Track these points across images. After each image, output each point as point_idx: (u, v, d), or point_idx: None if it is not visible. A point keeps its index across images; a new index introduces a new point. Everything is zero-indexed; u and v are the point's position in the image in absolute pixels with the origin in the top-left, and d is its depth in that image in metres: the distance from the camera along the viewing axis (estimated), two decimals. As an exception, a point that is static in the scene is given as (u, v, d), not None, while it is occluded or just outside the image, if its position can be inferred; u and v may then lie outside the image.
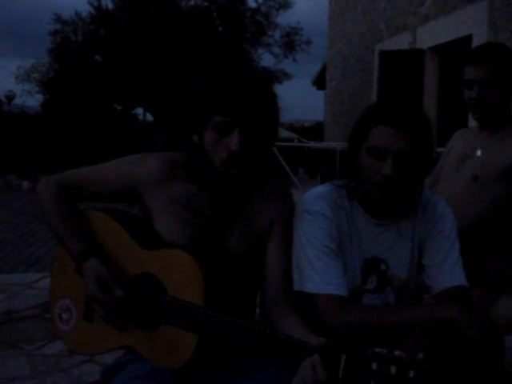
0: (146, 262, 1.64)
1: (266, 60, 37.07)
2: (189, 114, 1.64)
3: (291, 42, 24.58)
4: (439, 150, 2.55)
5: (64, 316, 1.78)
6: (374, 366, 1.26)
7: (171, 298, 1.56)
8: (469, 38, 7.34)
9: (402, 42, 9.78)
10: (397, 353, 1.26)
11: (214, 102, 1.58)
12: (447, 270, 1.73)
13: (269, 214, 1.72)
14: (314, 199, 1.74)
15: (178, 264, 1.58)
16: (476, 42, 6.97)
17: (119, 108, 23.68)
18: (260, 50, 24.81)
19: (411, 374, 1.23)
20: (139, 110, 24.87)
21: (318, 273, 1.65)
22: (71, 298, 1.77)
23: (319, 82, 17.38)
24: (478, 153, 2.37)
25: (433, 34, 8.64)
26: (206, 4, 22.96)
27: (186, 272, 1.56)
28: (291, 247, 1.73)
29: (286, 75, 25.23)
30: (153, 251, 1.64)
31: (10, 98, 22.18)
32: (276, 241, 1.72)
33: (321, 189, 1.79)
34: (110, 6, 22.96)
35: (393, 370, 1.25)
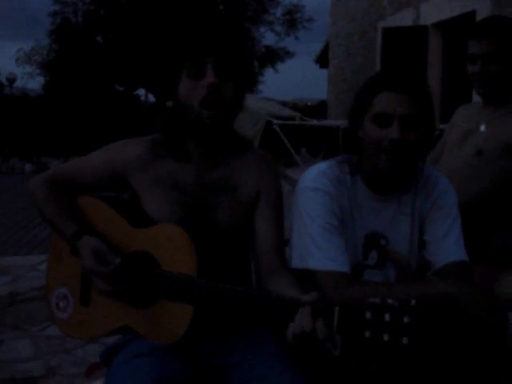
0: (138, 240, 1.66)
1: (268, 38, 36.84)
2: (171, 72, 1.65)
3: (293, 19, 24.41)
4: (442, 126, 2.52)
5: (61, 304, 1.81)
6: (367, 315, 1.28)
7: (165, 272, 1.58)
8: (472, 13, 7.25)
9: (405, 18, 9.68)
10: (390, 301, 1.28)
11: (186, 48, 1.61)
12: (448, 246, 1.73)
13: (254, 185, 1.74)
14: (316, 176, 1.73)
15: (169, 238, 1.60)
16: (479, 17, 6.88)
17: (121, 89, 23.59)
18: (262, 29, 24.67)
19: (405, 319, 1.26)
20: (141, 91, 24.80)
21: (320, 249, 1.65)
22: (67, 285, 1.79)
23: (322, 60, 17.26)
24: (482, 128, 2.34)
25: (436, 10, 8.54)
26: (206, -18, 22.75)
27: (178, 244, 1.58)
28: (279, 215, 1.74)
29: (289, 53, 25.12)
30: (144, 229, 1.66)
31: (12, 80, 22.11)
32: (264, 210, 1.73)
33: (322, 165, 1.78)
34: (110, -15, 22.75)
35: (387, 317, 1.27)
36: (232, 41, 1.67)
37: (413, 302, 1.27)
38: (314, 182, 1.72)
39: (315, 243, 1.66)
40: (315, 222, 1.67)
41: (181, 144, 1.72)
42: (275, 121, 12.61)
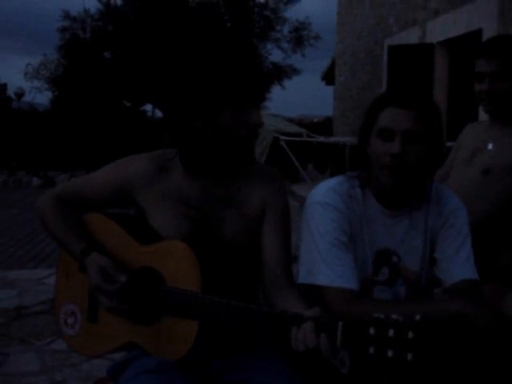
0: (144, 257, 1.67)
1: (275, 55, 37.04)
2: (194, 98, 1.64)
3: (300, 37, 24.53)
4: (449, 144, 2.53)
5: (69, 321, 1.81)
6: (371, 330, 1.27)
7: (170, 288, 1.59)
8: (479, 32, 7.29)
9: (411, 36, 9.73)
10: (394, 316, 1.27)
11: (231, 82, 1.60)
12: (458, 264, 1.72)
13: (260, 200, 1.74)
14: (326, 191, 1.74)
15: (174, 254, 1.61)
16: (486, 36, 6.92)
17: (128, 104, 23.71)
18: (268, 46, 24.79)
19: (410, 335, 1.24)
20: (148, 107, 24.92)
21: (328, 265, 1.65)
22: (75, 302, 1.80)
23: (328, 77, 17.32)
24: (490, 146, 2.35)
25: (442, 29, 8.58)
26: (214, -1, 22.93)
27: (183, 261, 1.59)
28: (286, 231, 1.75)
29: (295, 71, 25.20)
30: (150, 245, 1.67)
31: (20, 95, 22.25)
32: (270, 225, 1.73)
33: (332, 181, 1.78)
34: (119, 2, 23.00)
35: (391, 332, 1.25)
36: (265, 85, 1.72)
37: (417, 317, 1.26)
38: (323, 197, 1.72)
39: (324, 259, 1.66)
40: (324, 237, 1.67)
41: (199, 163, 1.71)
42: (282, 137, 12.65)
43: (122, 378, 1.65)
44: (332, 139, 13.05)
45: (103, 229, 1.77)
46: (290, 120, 20.93)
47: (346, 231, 1.69)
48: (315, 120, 25.19)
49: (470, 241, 1.77)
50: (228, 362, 1.69)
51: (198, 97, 1.60)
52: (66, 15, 23.25)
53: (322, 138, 14.06)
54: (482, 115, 2.52)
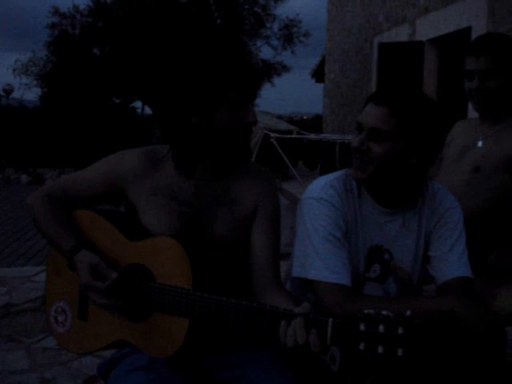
0: (134, 253, 1.67)
1: (265, 52, 37.03)
2: (188, 96, 1.64)
3: (290, 34, 24.57)
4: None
5: (59, 318, 1.81)
6: (361, 326, 1.27)
7: (160, 285, 1.59)
8: (468, 29, 7.31)
9: (401, 34, 9.75)
10: (384, 312, 1.27)
11: (227, 80, 1.60)
12: (452, 261, 1.74)
13: (252, 198, 1.74)
14: (323, 187, 1.74)
15: (164, 250, 1.61)
16: (475, 33, 6.94)
17: (118, 101, 23.64)
18: (258, 42, 24.82)
19: (400, 330, 1.25)
20: (138, 104, 24.85)
21: (322, 260, 1.66)
22: (65, 300, 1.80)
23: (318, 74, 17.36)
24: (479, 144, 2.36)
25: (432, 26, 8.61)
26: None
27: (173, 257, 1.59)
28: (276, 230, 1.75)
29: (285, 68, 25.24)
30: (140, 242, 1.67)
31: (8, 91, 22.12)
32: (260, 224, 1.73)
33: (329, 177, 1.79)
34: (108, -2, 22.88)
35: (381, 328, 1.26)
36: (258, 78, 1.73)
37: (407, 312, 1.26)
38: (319, 192, 1.73)
39: (317, 254, 1.66)
40: (319, 232, 1.68)
41: (193, 162, 1.71)
42: (272, 134, 12.65)
43: (113, 375, 1.65)
44: (322, 136, 13.07)
45: (93, 225, 1.76)
46: (280, 117, 20.98)
47: (340, 227, 1.70)
48: (305, 117, 25.27)
49: (464, 239, 1.78)
50: (220, 358, 1.69)
51: (194, 94, 1.60)
52: (56, 11, 23.15)
53: (312, 135, 14.07)
54: (472, 112, 2.52)
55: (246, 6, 23.97)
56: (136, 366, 1.60)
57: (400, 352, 1.24)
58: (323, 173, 1.90)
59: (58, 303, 1.82)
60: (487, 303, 2.02)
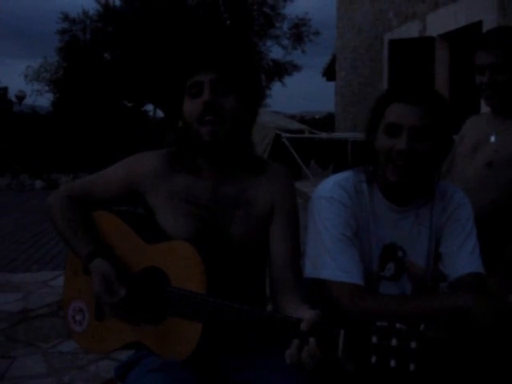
0: (150, 256, 1.67)
1: (275, 52, 36.99)
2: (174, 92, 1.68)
3: (300, 33, 24.53)
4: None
5: (77, 317, 1.82)
6: (374, 339, 1.25)
7: (174, 289, 1.59)
8: (479, 24, 7.27)
9: (411, 30, 9.71)
10: (397, 325, 1.25)
11: (184, 67, 1.65)
12: (463, 258, 1.73)
13: (269, 199, 1.73)
14: (333, 186, 1.73)
15: (179, 254, 1.61)
16: (486, 28, 6.90)
17: (129, 105, 23.72)
18: (268, 43, 24.80)
19: (413, 344, 1.22)
20: (149, 107, 24.93)
21: (333, 260, 1.65)
22: (83, 299, 1.81)
23: (329, 73, 17.32)
24: (492, 139, 2.34)
25: (442, 22, 8.56)
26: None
27: (188, 262, 1.59)
28: (295, 229, 1.74)
29: (296, 67, 25.22)
30: (157, 245, 1.67)
31: (21, 98, 22.28)
32: (278, 225, 1.72)
33: (339, 176, 1.79)
34: (118, 2, 23.02)
35: (394, 342, 1.23)
36: (231, 55, 1.68)
37: (422, 326, 1.24)
38: (329, 192, 1.72)
39: (329, 253, 1.66)
40: (329, 232, 1.67)
41: (192, 160, 1.72)
42: (284, 134, 12.65)
43: (130, 377, 1.66)
44: (334, 135, 13.04)
45: (111, 227, 1.77)
46: (292, 117, 20.95)
47: (351, 226, 1.69)
48: (317, 116, 25.22)
49: (474, 235, 1.77)
50: (235, 360, 1.68)
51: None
52: (65, 17, 23.28)
53: (323, 134, 14.04)
54: (484, 108, 2.51)
55: (255, 7, 23.98)
56: (152, 367, 1.60)
57: (412, 367, 1.22)
58: (336, 171, 1.89)
59: (76, 302, 1.83)
60: (503, 300, 2.00)
